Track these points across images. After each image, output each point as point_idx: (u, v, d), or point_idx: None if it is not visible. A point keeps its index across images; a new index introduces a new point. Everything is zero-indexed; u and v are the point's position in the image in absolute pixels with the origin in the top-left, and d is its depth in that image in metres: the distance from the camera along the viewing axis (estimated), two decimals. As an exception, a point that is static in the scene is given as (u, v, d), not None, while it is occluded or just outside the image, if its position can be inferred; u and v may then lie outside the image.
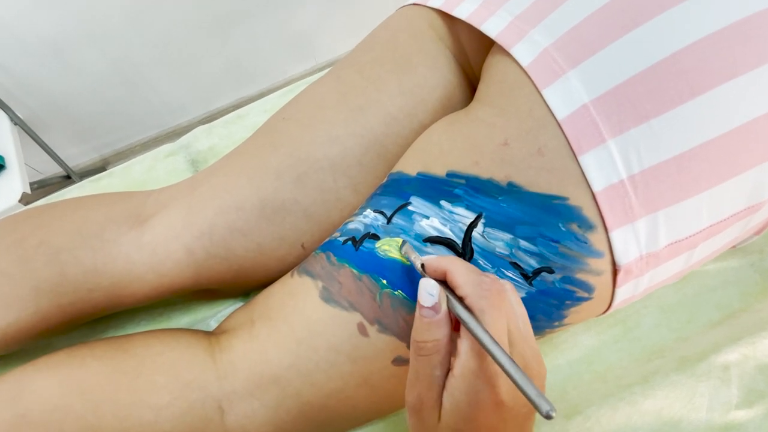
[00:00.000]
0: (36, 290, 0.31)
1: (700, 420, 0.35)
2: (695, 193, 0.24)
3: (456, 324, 0.22)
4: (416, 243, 0.27)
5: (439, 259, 0.23)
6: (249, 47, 1.03)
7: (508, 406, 0.20)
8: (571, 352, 0.39)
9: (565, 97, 0.25)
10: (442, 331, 0.21)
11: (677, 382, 0.35)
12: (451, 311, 0.21)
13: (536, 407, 0.16)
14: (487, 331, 0.19)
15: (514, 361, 0.18)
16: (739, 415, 0.35)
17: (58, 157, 0.97)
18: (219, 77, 1.07)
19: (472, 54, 0.35)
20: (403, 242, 0.27)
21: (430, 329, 0.21)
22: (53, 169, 1.02)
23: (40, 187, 0.94)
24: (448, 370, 0.21)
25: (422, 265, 0.24)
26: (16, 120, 0.84)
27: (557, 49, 0.25)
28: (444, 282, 0.23)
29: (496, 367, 0.19)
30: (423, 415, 0.21)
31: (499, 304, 0.20)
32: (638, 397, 0.35)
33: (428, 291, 0.21)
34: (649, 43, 0.23)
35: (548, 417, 0.16)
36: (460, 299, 0.21)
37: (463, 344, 0.20)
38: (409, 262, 0.26)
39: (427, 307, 0.21)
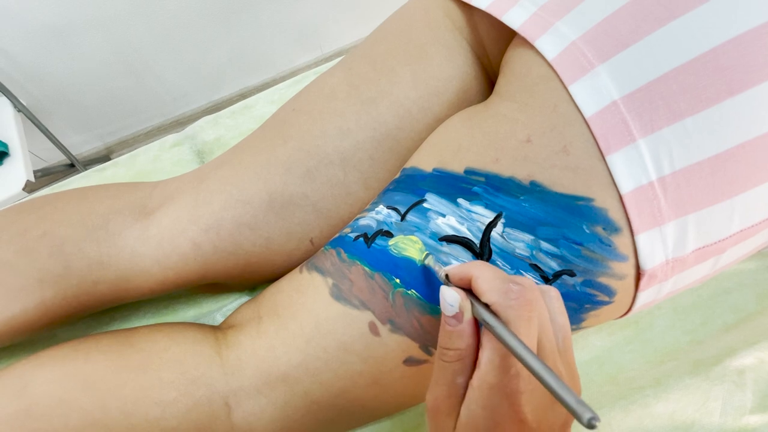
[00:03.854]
0: (40, 282, 0.30)
1: (713, 424, 0.34)
2: (728, 196, 0.23)
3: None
4: (432, 242, 0.27)
5: (465, 265, 0.22)
6: (254, 36, 1.02)
7: (531, 427, 0.18)
8: (581, 353, 0.38)
9: (593, 93, 0.24)
10: (464, 341, 0.20)
11: (690, 386, 0.35)
12: (477, 319, 0.20)
13: (577, 416, 0.14)
14: (516, 337, 0.17)
15: (548, 367, 0.16)
16: (753, 420, 0.34)
17: (62, 145, 0.96)
18: (224, 66, 1.05)
19: (491, 46, 0.33)
20: (427, 254, 0.26)
21: (452, 338, 0.20)
22: (57, 157, 1.01)
23: (44, 175, 0.93)
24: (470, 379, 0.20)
25: (446, 276, 0.22)
26: (19, 107, 0.83)
27: (586, 42, 0.24)
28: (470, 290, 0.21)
29: (520, 383, 0.18)
30: (439, 421, 0.21)
31: (528, 315, 0.19)
32: (650, 400, 0.35)
33: (449, 301, 0.20)
34: (685, 37, 0.22)
35: (591, 426, 0.14)
36: (487, 306, 0.20)
37: (484, 355, 0.19)
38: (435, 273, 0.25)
39: (450, 317, 0.20)
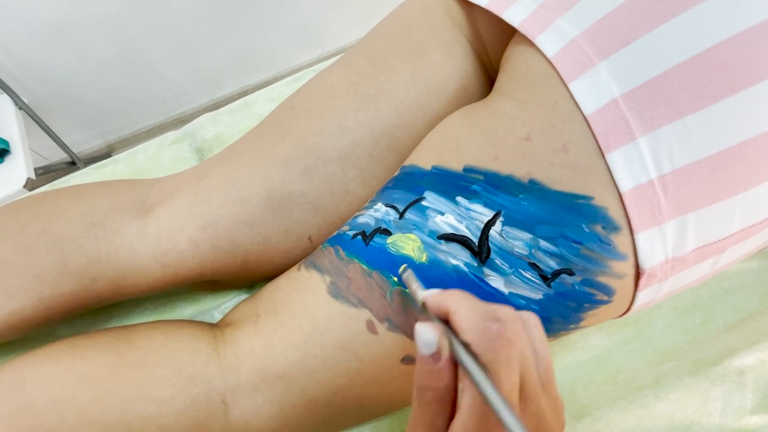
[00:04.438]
0: (38, 279, 0.30)
1: (713, 425, 0.34)
2: (729, 195, 0.23)
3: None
4: (430, 240, 0.26)
5: (443, 296, 0.20)
6: (255, 35, 1.02)
7: None
8: (581, 352, 0.38)
9: (593, 90, 0.23)
10: (443, 381, 0.18)
11: (690, 386, 0.35)
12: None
13: None
14: (493, 386, 0.16)
15: (522, 424, 0.15)
16: (753, 421, 0.34)
17: (63, 143, 0.96)
18: (225, 64, 1.05)
19: (491, 43, 0.33)
20: (405, 268, 0.23)
21: (429, 377, 0.18)
22: (58, 155, 1.01)
23: (45, 173, 0.94)
24: (451, 419, 0.18)
25: (423, 304, 0.20)
26: (20, 105, 0.84)
27: (586, 39, 0.24)
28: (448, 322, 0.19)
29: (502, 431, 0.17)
30: None
31: (509, 357, 0.17)
32: (650, 400, 0.35)
33: (425, 341, 0.18)
34: (686, 34, 0.22)
35: None
36: (467, 345, 0.18)
37: (464, 399, 0.17)
38: (407, 291, 0.23)
39: (426, 356, 0.18)
